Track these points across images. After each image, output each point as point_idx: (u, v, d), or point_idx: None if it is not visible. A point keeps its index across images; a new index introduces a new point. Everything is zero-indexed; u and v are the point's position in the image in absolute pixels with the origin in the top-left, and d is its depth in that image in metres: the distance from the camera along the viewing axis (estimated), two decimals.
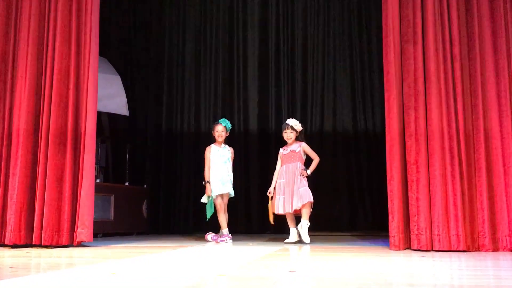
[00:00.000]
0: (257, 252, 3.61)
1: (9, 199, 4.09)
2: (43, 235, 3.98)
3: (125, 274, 2.52)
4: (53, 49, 4.23)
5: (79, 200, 4.06)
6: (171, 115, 6.95)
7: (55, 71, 4.20)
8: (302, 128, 4.77)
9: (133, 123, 6.71)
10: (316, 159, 4.68)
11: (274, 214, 4.65)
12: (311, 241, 4.44)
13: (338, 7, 6.78)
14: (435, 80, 3.81)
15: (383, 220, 4.74)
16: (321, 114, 6.71)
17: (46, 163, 4.08)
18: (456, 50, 3.86)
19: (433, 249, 3.65)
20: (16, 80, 4.28)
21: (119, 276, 2.43)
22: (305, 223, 4.49)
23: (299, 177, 4.55)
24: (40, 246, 3.99)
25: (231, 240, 4.63)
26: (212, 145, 4.88)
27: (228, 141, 4.97)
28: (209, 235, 4.83)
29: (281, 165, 4.73)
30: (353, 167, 6.62)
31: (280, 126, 4.98)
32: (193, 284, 2.15)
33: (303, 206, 4.47)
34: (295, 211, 4.56)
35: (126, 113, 6.13)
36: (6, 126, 4.25)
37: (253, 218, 6.46)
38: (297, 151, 4.66)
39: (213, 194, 4.69)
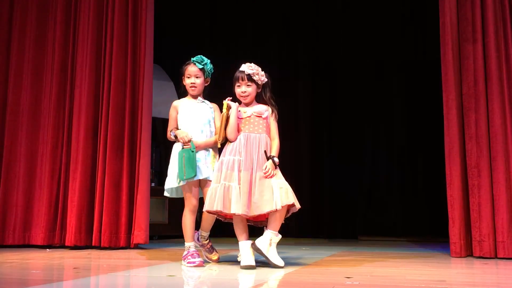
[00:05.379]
0: (312, 257, 3.56)
1: (69, 203, 4.26)
2: (102, 237, 4.12)
3: (182, 276, 2.56)
4: (110, 59, 4.38)
5: (136, 203, 4.18)
6: None
7: (113, 79, 4.34)
8: (267, 80, 3.07)
9: None
10: (277, 140, 3.00)
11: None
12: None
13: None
14: (497, 80, 3.65)
15: (440, 225, 4.58)
16: (375, 116, 6.56)
17: (104, 168, 4.22)
18: None
19: (497, 256, 3.48)
20: (74, 89, 4.46)
21: (177, 278, 2.47)
22: (274, 238, 2.83)
23: (265, 158, 2.88)
24: (99, 247, 4.13)
25: (196, 264, 2.91)
26: (182, 99, 3.25)
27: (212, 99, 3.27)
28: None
29: (238, 131, 2.98)
30: (408, 171, 6.44)
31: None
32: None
33: (275, 210, 2.77)
34: (258, 217, 2.93)
35: None
36: (65, 133, 4.43)
37: (305, 219, 6.36)
38: (264, 116, 3.02)
39: (173, 184, 3.06)
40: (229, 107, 2.98)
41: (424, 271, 2.78)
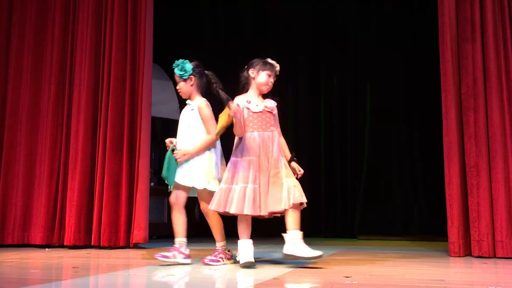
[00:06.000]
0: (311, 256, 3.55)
1: (68, 202, 4.26)
2: (101, 236, 4.12)
3: (181, 275, 2.56)
4: (110, 58, 4.38)
5: (135, 203, 4.18)
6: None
7: (112, 79, 4.34)
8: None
9: None
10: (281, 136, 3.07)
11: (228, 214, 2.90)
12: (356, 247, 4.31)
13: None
14: (496, 80, 3.65)
15: (439, 225, 4.58)
16: (375, 115, 6.56)
17: (103, 167, 4.22)
18: None
19: (496, 256, 3.49)
20: (73, 88, 4.46)
21: (176, 277, 2.47)
22: (296, 236, 2.81)
23: (280, 159, 2.90)
24: (98, 247, 4.13)
25: (185, 259, 3.03)
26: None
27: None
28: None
29: (247, 129, 2.92)
30: (408, 170, 6.43)
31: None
32: None
33: (289, 208, 2.79)
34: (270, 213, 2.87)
35: (178, 118, 6.23)
36: (64, 132, 4.43)
37: (304, 219, 6.35)
38: (274, 112, 3.01)
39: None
40: (234, 114, 2.84)
41: (423, 271, 2.79)
